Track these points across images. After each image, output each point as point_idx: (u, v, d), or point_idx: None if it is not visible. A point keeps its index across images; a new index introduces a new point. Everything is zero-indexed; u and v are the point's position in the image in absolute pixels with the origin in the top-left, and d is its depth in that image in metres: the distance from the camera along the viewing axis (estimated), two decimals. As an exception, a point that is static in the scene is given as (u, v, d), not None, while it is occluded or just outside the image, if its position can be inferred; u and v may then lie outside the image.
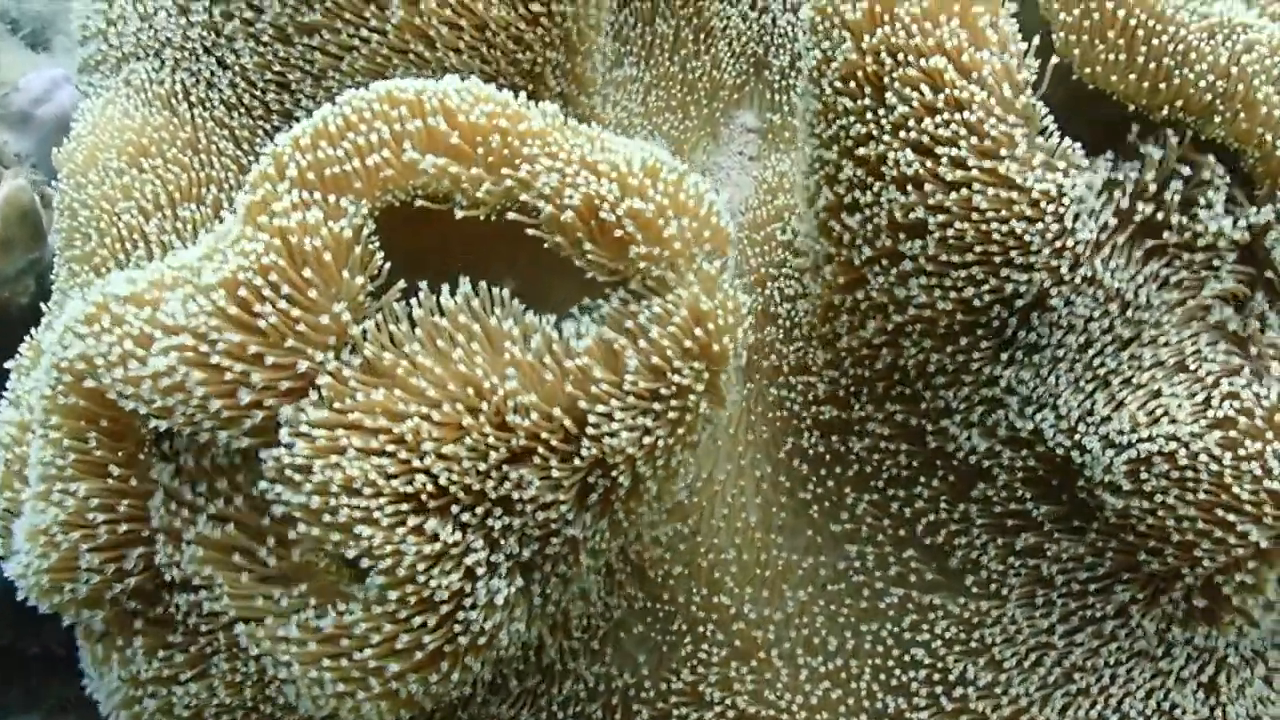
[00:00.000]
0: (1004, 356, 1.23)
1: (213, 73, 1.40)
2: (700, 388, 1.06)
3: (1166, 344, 1.18)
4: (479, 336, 1.02)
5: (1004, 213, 1.12)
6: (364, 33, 1.30)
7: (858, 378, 1.40)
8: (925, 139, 1.13)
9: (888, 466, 1.40)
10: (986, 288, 1.16)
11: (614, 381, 1.02)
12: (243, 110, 1.40)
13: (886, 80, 1.14)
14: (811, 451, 1.45)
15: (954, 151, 1.11)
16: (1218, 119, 1.12)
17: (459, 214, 1.05)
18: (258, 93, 1.39)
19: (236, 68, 1.39)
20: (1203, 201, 1.15)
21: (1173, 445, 1.16)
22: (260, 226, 1.04)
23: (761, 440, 1.48)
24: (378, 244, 1.04)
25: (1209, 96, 1.12)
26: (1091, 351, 1.19)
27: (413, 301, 1.03)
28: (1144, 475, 1.18)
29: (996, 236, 1.13)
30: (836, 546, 1.41)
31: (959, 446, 1.33)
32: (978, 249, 1.14)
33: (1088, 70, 1.13)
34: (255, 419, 1.00)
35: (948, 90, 1.11)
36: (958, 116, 1.11)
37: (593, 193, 1.04)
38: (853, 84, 1.17)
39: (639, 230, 1.04)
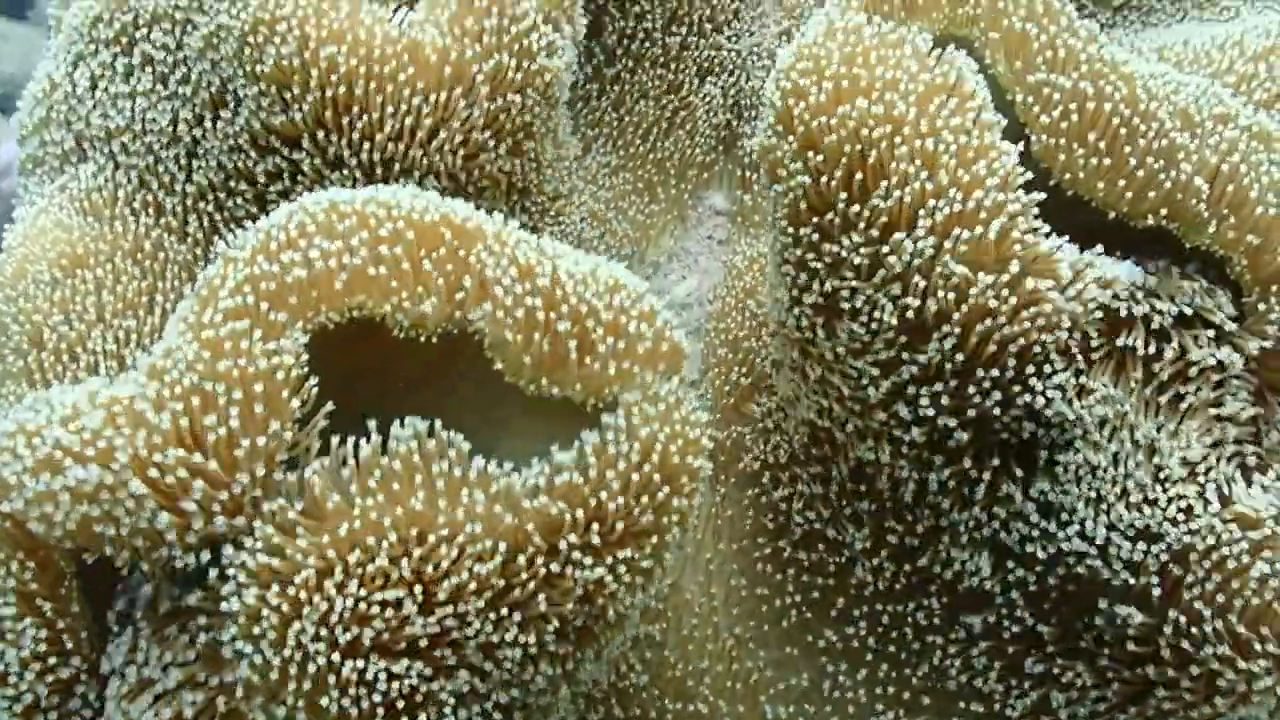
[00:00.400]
0: (1018, 473, 1.15)
1: (172, 177, 1.33)
2: (665, 520, 0.99)
3: (1188, 457, 1.11)
4: (429, 481, 0.95)
5: (1026, 326, 1.05)
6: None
7: (844, 490, 1.32)
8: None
9: (876, 580, 1.32)
10: (1001, 403, 1.09)
11: (575, 521, 0.95)
12: (199, 216, 1.34)
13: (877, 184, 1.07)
14: (790, 560, 1.37)
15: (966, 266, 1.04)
16: (1211, 228, 1.06)
17: (399, 334, 0.98)
18: (220, 197, 1.32)
19: (199, 172, 1.32)
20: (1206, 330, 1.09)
21: (1209, 541, 1.09)
22: (200, 340, 0.97)
23: (733, 548, 1.41)
24: (309, 367, 0.97)
25: (1195, 202, 1.06)
26: (1118, 466, 1.11)
27: (362, 441, 0.96)
28: (1176, 571, 1.11)
29: (1015, 350, 1.06)
30: (817, 661, 1.33)
31: (959, 566, 1.24)
32: (994, 366, 1.07)
33: (1067, 176, 1.07)
34: (188, 541, 0.93)
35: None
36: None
37: (543, 315, 0.98)
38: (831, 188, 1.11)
39: (592, 354, 0.97)
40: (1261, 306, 1.10)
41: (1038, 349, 1.04)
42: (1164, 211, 1.07)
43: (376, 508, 0.94)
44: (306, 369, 0.97)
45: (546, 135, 1.41)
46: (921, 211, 1.04)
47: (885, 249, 1.06)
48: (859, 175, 1.07)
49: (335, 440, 0.96)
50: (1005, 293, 1.03)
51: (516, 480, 0.95)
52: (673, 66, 1.81)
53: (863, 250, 1.08)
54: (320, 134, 1.22)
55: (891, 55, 1.07)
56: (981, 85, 1.07)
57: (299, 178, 1.26)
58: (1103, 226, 1.09)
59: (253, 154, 1.27)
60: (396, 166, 1.22)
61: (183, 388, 0.94)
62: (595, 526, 0.95)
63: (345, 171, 1.22)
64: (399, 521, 0.94)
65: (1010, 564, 1.19)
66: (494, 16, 1.20)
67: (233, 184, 1.30)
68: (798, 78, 1.12)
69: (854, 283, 1.09)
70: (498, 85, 1.24)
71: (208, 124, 1.29)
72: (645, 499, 0.97)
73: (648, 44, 1.78)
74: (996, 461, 1.13)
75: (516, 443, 1.04)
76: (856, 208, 1.07)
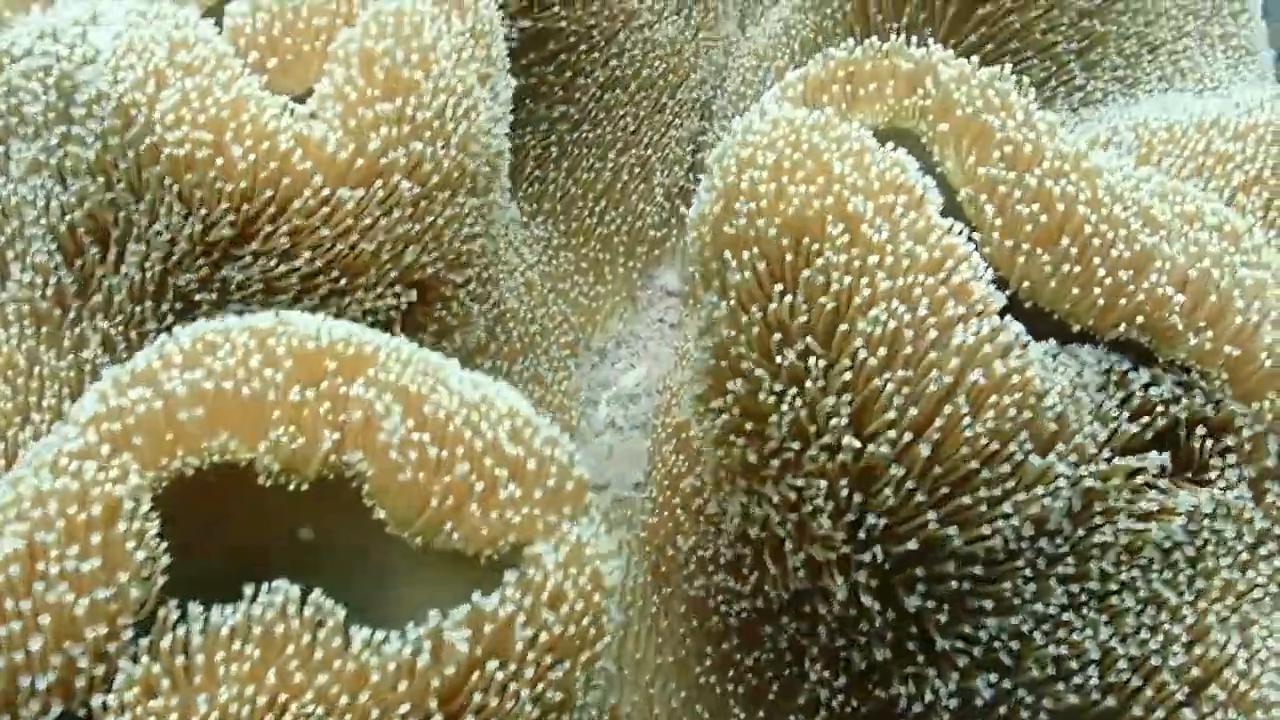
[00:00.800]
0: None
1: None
2: (572, 684, 0.87)
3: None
4: (300, 650, 0.82)
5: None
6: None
7: (784, 607, 1.20)
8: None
9: (830, 699, 1.19)
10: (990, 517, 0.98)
11: (474, 685, 0.83)
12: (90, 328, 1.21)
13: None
14: (739, 678, 1.25)
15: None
16: (1191, 339, 0.95)
17: (266, 482, 0.87)
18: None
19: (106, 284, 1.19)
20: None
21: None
22: (38, 482, 0.85)
23: (671, 661, 1.29)
24: (166, 514, 0.86)
25: (1169, 313, 0.95)
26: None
27: (227, 607, 0.84)
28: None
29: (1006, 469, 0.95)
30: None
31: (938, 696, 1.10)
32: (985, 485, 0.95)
33: (1026, 284, 0.96)
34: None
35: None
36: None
37: (433, 457, 0.86)
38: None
39: (488, 502, 0.86)
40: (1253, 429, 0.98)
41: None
42: (1137, 323, 0.95)
43: (240, 679, 0.82)
44: (158, 518, 0.85)
45: (480, 229, 1.29)
46: (871, 330, 0.93)
47: (825, 360, 0.95)
48: (790, 282, 0.96)
49: (195, 603, 0.84)
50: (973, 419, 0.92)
51: (400, 646, 0.83)
52: (624, 127, 1.71)
53: (800, 362, 0.97)
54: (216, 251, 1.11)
55: (832, 151, 0.96)
56: (931, 187, 0.96)
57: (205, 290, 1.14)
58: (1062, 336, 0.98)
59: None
60: (295, 284, 1.11)
61: (15, 535, 0.82)
62: (493, 698, 0.83)
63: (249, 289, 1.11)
64: (265, 691, 0.82)
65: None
66: (397, 101, 1.09)
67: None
68: (733, 175, 1.02)
69: (789, 388, 0.98)
70: (415, 179, 1.12)
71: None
72: (548, 662, 0.85)
73: (595, 103, 1.68)
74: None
75: (405, 592, 0.92)
76: (790, 319, 0.96)
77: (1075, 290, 0.94)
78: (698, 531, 1.35)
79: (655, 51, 1.73)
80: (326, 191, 1.07)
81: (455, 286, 1.24)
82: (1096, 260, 0.93)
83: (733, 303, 1.03)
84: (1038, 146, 0.95)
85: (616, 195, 1.72)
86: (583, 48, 1.63)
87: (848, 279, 0.94)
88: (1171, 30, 1.47)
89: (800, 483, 1.03)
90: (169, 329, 1.07)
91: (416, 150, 1.10)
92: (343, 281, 1.12)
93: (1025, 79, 0.98)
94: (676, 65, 1.76)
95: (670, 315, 1.73)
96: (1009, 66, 0.99)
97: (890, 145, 1.02)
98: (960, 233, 0.95)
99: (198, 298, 1.14)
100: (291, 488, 0.87)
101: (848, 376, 0.95)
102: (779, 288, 0.97)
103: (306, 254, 1.09)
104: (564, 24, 1.59)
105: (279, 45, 1.13)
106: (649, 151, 1.74)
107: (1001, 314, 0.94)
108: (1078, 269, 0.93)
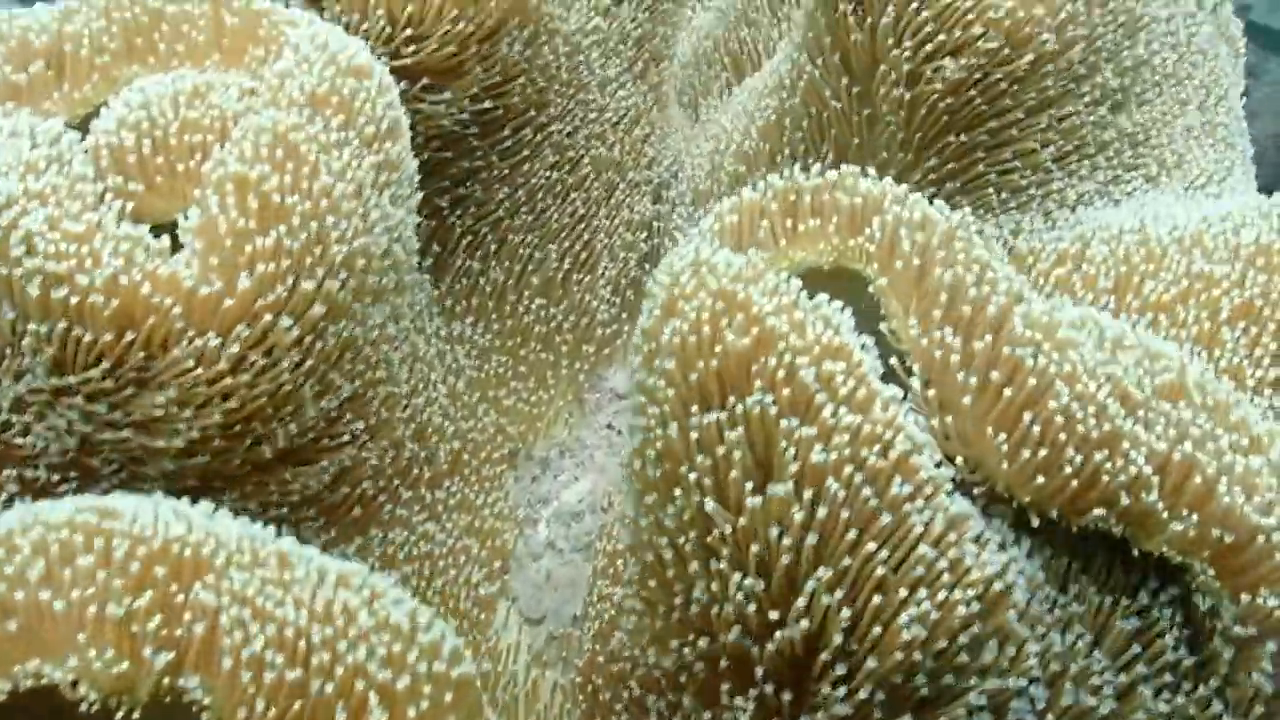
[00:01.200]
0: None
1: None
2: None
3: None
4: None
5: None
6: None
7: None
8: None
9: None
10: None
11: None
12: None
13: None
14: None
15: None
16: (1177, 527, 0.82)
17: (90, 709, 0.74)
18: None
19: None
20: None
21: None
22: None
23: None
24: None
25: (1148, 499, 0.82)
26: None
27: None
28: None
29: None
30: None
31: None
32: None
33: (980, 469, 0.83)
34: None
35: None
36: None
37: (285, 680, 0.74)
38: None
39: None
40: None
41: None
42: (1112, 512, 0.82)
43: None
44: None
45: (384, 352, 1.17)
46: (799, 514, 0.80)
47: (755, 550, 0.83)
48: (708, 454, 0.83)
49: None
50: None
51: None
52: (570, 212, 1.58)
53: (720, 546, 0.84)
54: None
55: (761, 306, 0.84)
56: (870, 347, 0.84)
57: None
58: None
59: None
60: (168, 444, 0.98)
61: None
62: None
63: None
64: None
65: None
66: (272, 233, 0.96)
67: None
68: (655, 321, 0.89)
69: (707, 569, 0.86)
70: (297, 316, 0.99)
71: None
72: None
73: (538, 186, 1.54)
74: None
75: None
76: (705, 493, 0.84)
77: (1040, 478, 0.81)
78: (635, 676, 1.22)
79: (607, 130, 1.60)
80: (193, 336, 0.94)
81: (354, 424, 1.12)
82: (1064, 439, 0.80)
83: (652, 467, 0.91)
84: (1000, 311, 0.82)
85: (559, 289, 1.59)
86: (526, 128, 1.49)
87: (772, 451, 0.81)
88: (1157, 124, 1.34)
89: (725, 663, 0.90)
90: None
91: (296, 285, 0.97)
92: (221, 440, 0.99)
93: (987, 231, 0.85)
94: (629, 145, 1.64)
95: (620, 421, 1.60)
96: (968, 213, 0.86)
97: (836, 285, 0.90)
98: (899, 402, 0.82)
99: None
100: (121, 715, 0.74)
101: (785, 560, 0.83)
102: (699, 461, 0.84)
103: (176, 408, 0.96)
104: (514, 100, 1.45)
105: (148, 165, 1.00)
106: (596, 238, 1.61)
107: (951, 493, 0.82)
108: (1043, 453, 0.80)
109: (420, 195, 1.18)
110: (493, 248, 1.52)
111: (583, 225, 1.60)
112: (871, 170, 0.96)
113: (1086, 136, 1.31)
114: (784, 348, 0.82)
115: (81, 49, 1.09)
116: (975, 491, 0.85)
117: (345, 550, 1.20)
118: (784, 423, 0.81)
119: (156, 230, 1.00)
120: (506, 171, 1.50)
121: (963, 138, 1.27)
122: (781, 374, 0.81)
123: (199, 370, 0.95)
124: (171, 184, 1.01)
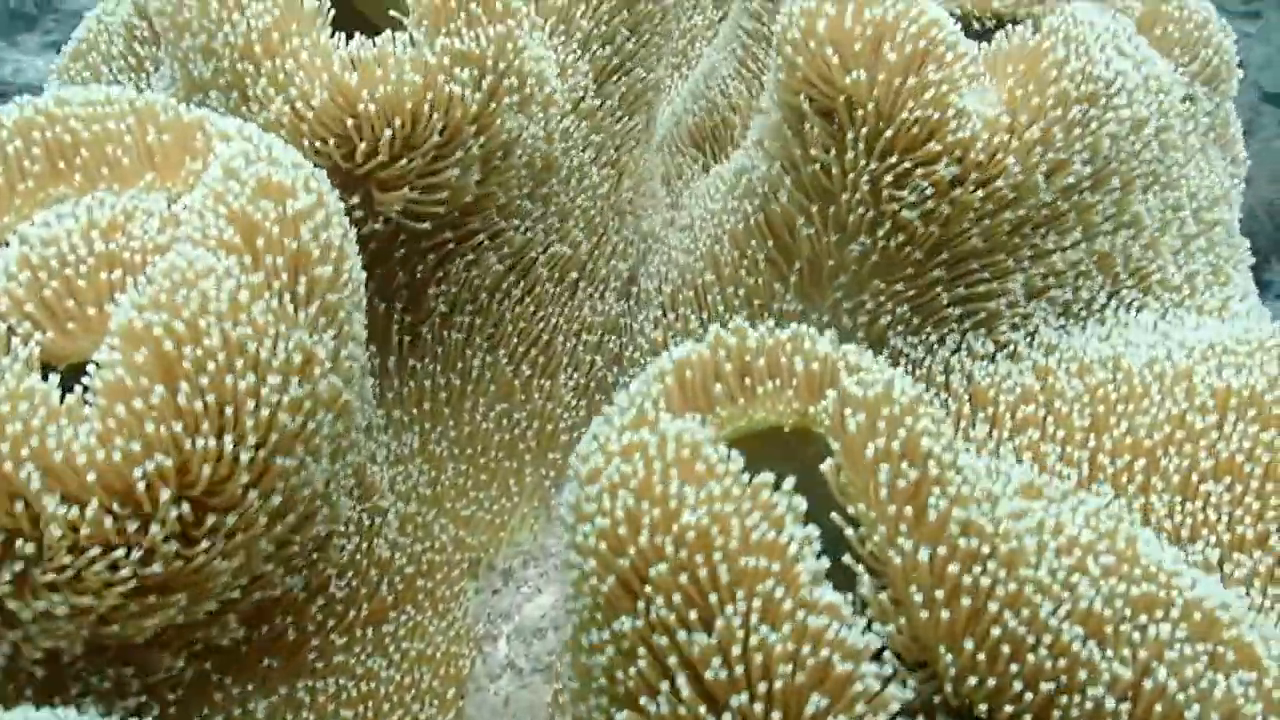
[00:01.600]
0: None
1: None
2: None
3: None
4: None
5: None
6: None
7: None
8: None
9: None
10: None
11: None
12: None
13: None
14: None
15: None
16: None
17: None
18: None
19: None
20: None
21: None
22: None
23: None
24: None
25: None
26: None
27: None
28: None
29: None
30: None
31: None
32: None
33: (936, 680, 0.76)
34: None
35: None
36: None
37: None
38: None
39: None
40: None
41: None
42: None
43: None
44: None
45: (321, 508, 1.09)
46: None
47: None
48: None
49: None
50: None
51: None
52: (529, 315, 1.50)
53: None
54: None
55: (685, 499, 0.77)
56: (811, 541, 0.77)
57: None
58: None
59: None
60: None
61: None
62: None
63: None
64: None
65: None
66: (180, 393, 0.89)
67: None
68: (590, 502, 0.83)
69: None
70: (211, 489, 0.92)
71: None
72: None
73: (495, 285, 1.47)
74: None
75: None
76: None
77: (985, 705, 0.74)
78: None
79: (570, 225, 1.53)
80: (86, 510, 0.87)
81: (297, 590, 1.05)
82: (1014, 668, 0.73)
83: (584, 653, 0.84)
84: (962, 513, 0.75)
85: (520, 394, 1.52)
86: (475, 228, 1.41)
87: (668, 670, 0.75)
88: (1138, 244, 1.26)
89: None
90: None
91: (206, 447, 0.91)
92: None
93: (947, 421, 0.78)
94: (594, 240, 1.57)
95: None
96: (932, 407, 0.79)
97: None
98: (830, 608, 0.75)
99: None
100: None
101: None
102: (616, 668, 0.78)
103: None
104: (463, 202, 1.36)
105: (57, 310, 0.94)
106: (556, 340, 1.54)
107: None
108: (991, 683, 0.73)
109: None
110: (438, 350, 1.45)
111: (541, 326, 1.53)
112: (830, 332, 0.90)
113: (1056, 262, 1.24)
114: (709, 551, 0.75)
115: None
116: (935, 700, 0.78)
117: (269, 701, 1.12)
118: (686, 637, 0.75)
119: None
120: (457, 272, 1.42)
121: (928, 260, 1.20)
122: (702, 577, 0.75)
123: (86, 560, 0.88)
124: (83, 328, 0.95)
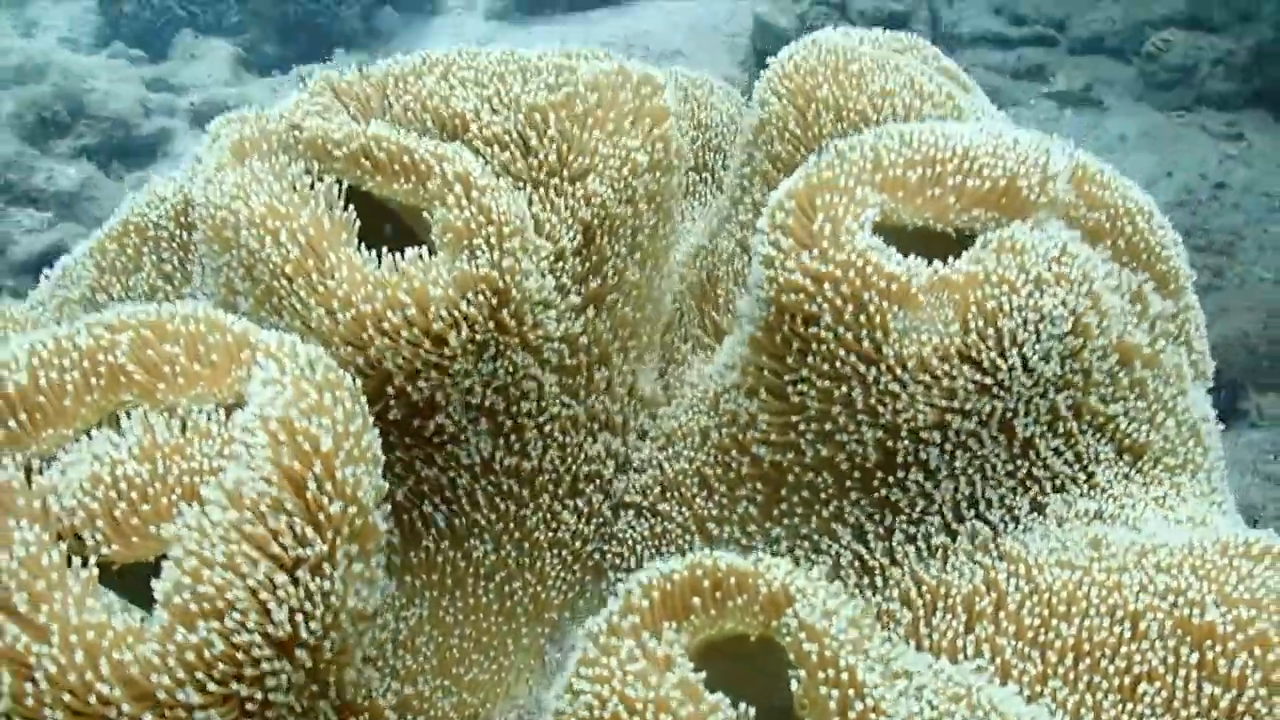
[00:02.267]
0: None
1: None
2: None
3: None
4: None
5: None
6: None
7: None
8: None
9: None
10: None
11: None
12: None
13: None
14: None
15: None
16: None
17: None
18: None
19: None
20: None
21: None
22: None
23: None
24: None
25: None
26: None
27: None
28: None
29: None
30: None
31: None
32: None
33: None
34: None
35: None
36: None
37: None
38: None
39: None
40: None
41: None
42: None
43: None
44: None
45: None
46: None
47: None
48: None
49: None
50: None
51: None
52: (510, 513, 1.63)
53: None
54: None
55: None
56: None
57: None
58: None
59: None
60: None
61: None
62: None
63: None
64: None
65: None
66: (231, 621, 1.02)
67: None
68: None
69: None
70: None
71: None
72: None
73: (488, 465, 1.60)
74: None
75: None
76: None
77: None
78: None
79: (560, 424, 1.66)
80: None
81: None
82: None
83: None
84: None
85: (515, 575, 1.66)
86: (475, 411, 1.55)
87: None
88: (1088, 459, 1.41)
89: None
90: None
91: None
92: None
93: (893, 657, 0.92)
94: (573, 441, 1.68)
95: (581, 692, 1.65)
96: (876, 629, 0.93)
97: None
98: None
99: None
100: None
101: None
102: None
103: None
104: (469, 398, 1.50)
105: (124, 527, 1.08)
106: (537, 533, 1.67)
107: None
108: None
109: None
110: (439, 551, 1.58)
111: (524, 527, 1.65)
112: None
113: (1015, 483, 1.38)
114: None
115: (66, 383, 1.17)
116: None
117: None
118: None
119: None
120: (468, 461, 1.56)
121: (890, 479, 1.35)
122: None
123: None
124: (145, 541, 1.08)
